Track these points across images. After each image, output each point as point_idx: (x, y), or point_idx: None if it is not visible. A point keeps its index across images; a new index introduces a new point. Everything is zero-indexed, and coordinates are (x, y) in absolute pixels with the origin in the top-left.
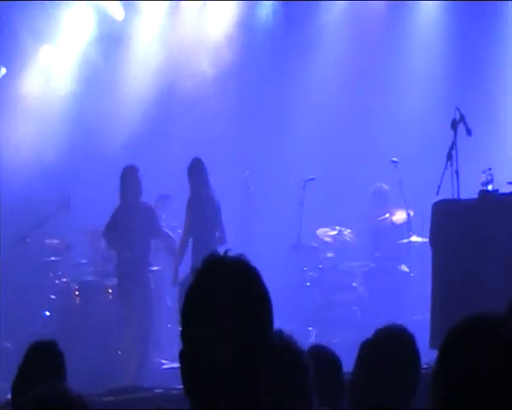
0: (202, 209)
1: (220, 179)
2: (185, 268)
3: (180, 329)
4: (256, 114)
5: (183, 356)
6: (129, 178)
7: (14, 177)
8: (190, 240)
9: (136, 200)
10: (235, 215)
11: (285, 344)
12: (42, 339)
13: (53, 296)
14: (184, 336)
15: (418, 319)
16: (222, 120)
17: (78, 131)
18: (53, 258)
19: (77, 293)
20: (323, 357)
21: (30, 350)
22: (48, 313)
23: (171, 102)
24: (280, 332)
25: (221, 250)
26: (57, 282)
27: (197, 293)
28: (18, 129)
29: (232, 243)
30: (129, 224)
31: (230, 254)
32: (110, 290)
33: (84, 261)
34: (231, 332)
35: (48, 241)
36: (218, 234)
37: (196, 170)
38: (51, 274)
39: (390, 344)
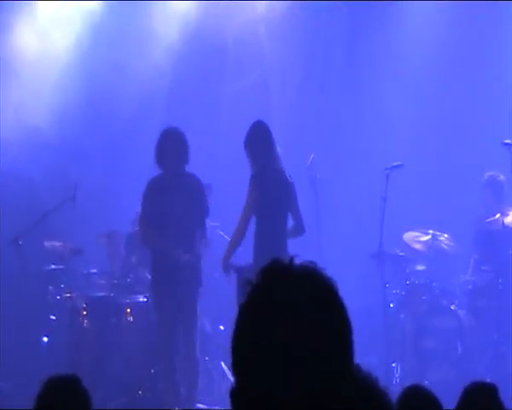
0: (272, 187)
1: None
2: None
3: (231, 360)
4: (325, 83)
5: (235, 396)
6: (172, 140)
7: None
8: (254, 228)
9: (183, 170)
10: None
11: (363, 383)
12: (60, 375)
13: (53, 317)
14: (237, 368)
15: None
16: (282, 89)
17: (83, 94)
18: (54, 266)
19: (84, 313)
20: (422, 400)
21: (45, 390)
22: (46, 339)
23: (210, 57)
24: (356, 367)
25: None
26: (59, 298)
27: (255, 312)
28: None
29: (292, 250)
30: (171, 204)
31: (298, 261)
32: (129, 310)
33: (94, 271)
34: (305, 362)
35: (48, 243)
36: (293, 221)
37: (262, 136)
38: (51, 287)
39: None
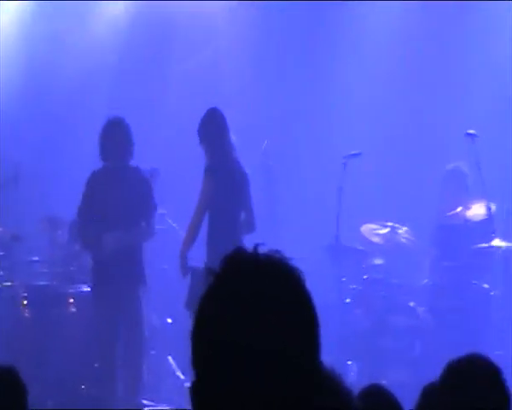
0: (226, 179)
1: None
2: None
3: (191, 353)
4: (283, 66)
5: (196, 393)
6: (116, 130)
7: None
8: (206, 222)
9: (126, 163)
10: None
11: (329, 381)
12: None
13: None
14: (198, 364)
15: (500, 355)
16: (234, 70)
17: (22, 68)
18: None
19: (25, 302)
20: (383, 401)
21: None
22: None
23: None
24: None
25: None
26: None
27: (218, 304)
28: None
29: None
30: (113, 198)
31: (262, 250)
32: (72, 300)
33: (36, 259)
34: (270, 359)
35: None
36: (244, 216)
37: (217, 125)
38: None
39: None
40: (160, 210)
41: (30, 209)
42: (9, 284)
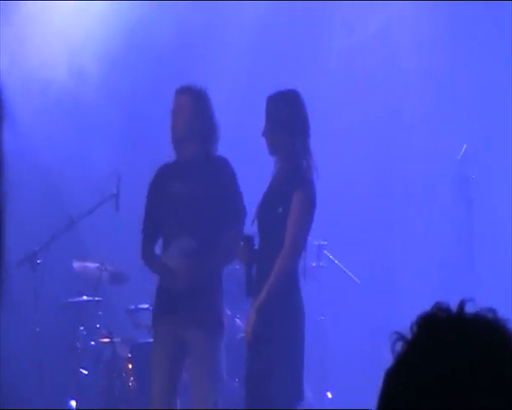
0: None
1: None
2: None
3: None
4: None
5: None
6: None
7: None
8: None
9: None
10: None
11: None
12: None
13: (84, 371)
14: None
15: None
16: None
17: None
18: (86, 297)
19: (130, 366)
20: None
21: None
22: (74, 404)
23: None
24: None
25: None
26: (93, 343)
27: (416, 374)
28: None
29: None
30: (184, 199)
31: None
32: None
33: (144, 306)
34: None
35: (78, 264)
36: None
37: None
38: (82, 328)
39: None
40: (317, 240)
41: (132, 238)
42: (107, 340)
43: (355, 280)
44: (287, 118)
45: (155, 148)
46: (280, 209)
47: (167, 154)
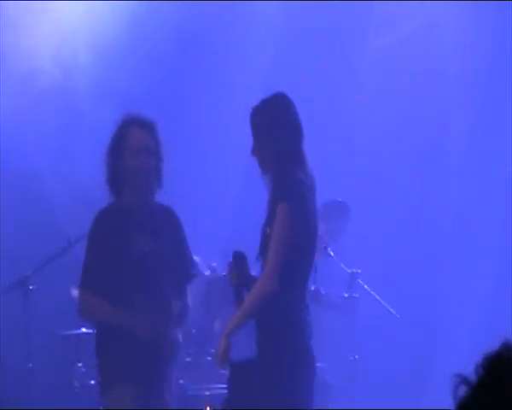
0: None
1: None
2: None
3: None
4: None
5: None
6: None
7: None
8: None
9: (148, 197)
10: None
11: None
12: None
13: None
14: None
15: None
16: None
17: None
18: (85, 329)
19: None
20: None
21: None
22: None
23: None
24: None
25: None
26: (93, 382)
27: None
28: None
29: None
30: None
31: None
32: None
33: None
34: None
35: (76, 292)
36: None
37: None
38: (80, 364)
39: None
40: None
41: None
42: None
43: (393, 313)
44: (272, 129)
45: None
46: (268, 230)
47: None
